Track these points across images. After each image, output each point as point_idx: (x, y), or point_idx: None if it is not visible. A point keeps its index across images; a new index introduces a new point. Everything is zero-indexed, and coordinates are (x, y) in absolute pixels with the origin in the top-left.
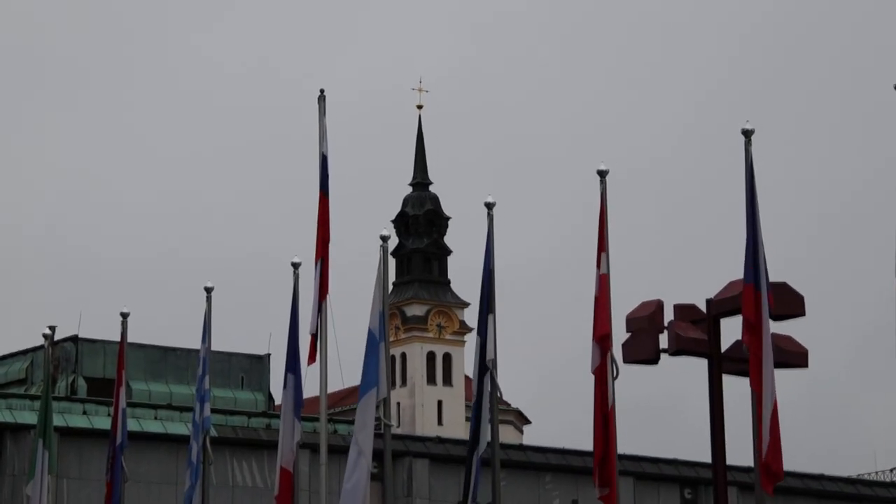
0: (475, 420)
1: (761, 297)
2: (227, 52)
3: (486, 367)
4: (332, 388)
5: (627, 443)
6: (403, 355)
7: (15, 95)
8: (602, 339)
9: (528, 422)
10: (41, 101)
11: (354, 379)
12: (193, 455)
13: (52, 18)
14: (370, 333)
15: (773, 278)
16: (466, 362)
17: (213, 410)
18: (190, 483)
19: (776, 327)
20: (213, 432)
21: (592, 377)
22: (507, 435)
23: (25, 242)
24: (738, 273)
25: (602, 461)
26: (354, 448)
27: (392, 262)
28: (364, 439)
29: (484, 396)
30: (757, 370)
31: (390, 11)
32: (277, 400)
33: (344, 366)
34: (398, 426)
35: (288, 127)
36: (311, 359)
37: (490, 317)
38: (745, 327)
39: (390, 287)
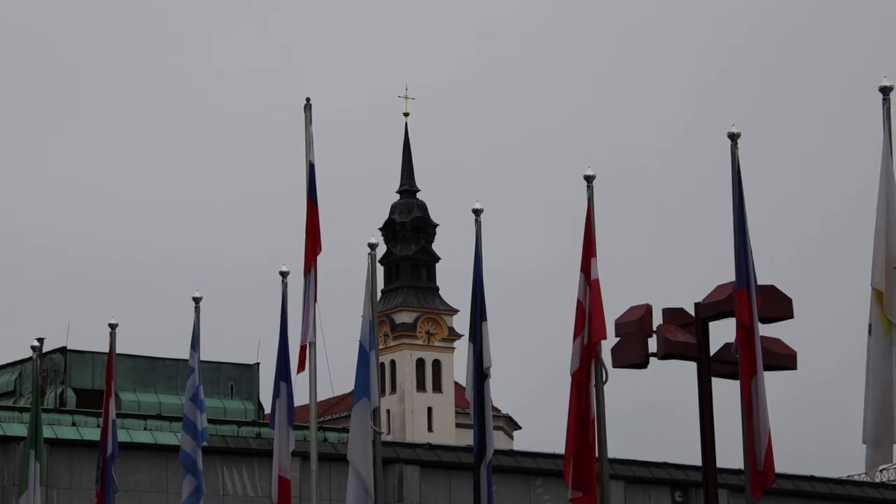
0: (479, 428)
1: (752, 302)
2: (214, 62)
3: (483, 374)
4: (321, 397)
5: (618, 446)
6: (393, 362)
7: (4, 105)
8: (595, 345)
9: (518, 427)
10: (30, 113)
11: (343, 387)
12: (199, 464)
13: (51, 28)
14: (360, 344)
15: (761, 281)
16: (456, 369)
17: None
18: (196, 485)
19: (764, 330)
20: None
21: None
22: (497, 440)
23: (13, 254)
24: (725, 276)
25: (576, 464)
26: (351, 464)
27: (380, 269)
28: (354, 451)
29: (486, 404)
30: (748, 377)
31: (376, 20)
32: (267, 409)
33: (333, 374)
34: (388, 433)
35: (275, 136)
36: (301, 367)
37: (484, 324)
38: (739, 334)
39: (378, 294)
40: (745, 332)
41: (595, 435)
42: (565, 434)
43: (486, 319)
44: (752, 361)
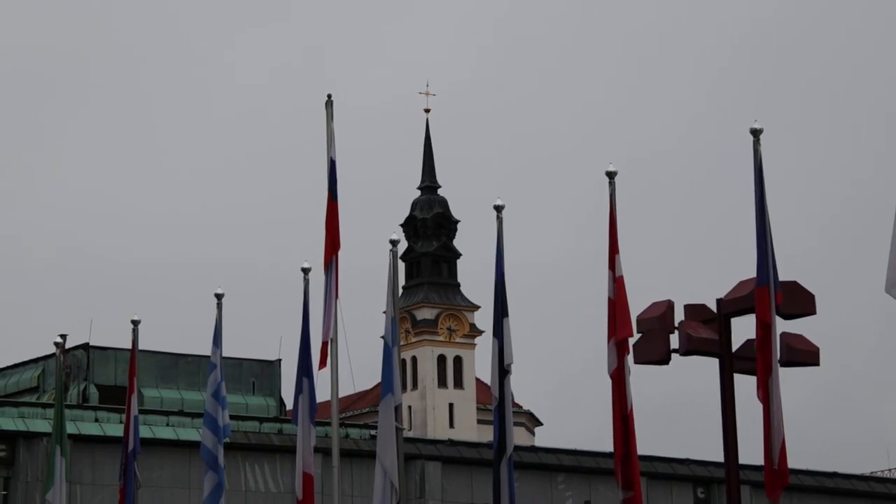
0: (500, 424)
1: (773, 300)
2: (235, 60)
3: (505, 370)
4: (343, 393)
5: (640, 443)
6: (414, 359)
7: (26, 105)
8: (623, 341)
9: (539, 423)
10: (52, 110)
11: (365, 383)
12: (221, 460)
13: (63, 31)
14: (384, 340)
15: (783, 277)
16: (477, 365)
17: None
18: (218, 481)
19: (787, 326)
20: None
21: (603, 379)
22: (518, 437)
23: (36, 251)
24: (748, 272)
25: (623, 462)
26: (378, 458)
27: (401, 265)
28: (381, 446)
29: (506, 400)
30: (765, 376)
31: (397, 16)
32: (289, 405)
33: (354, 370)
34: (410, 429)
35: (296, 132)
36: (322, 364)
37: (505, 320)
38: (758, 332)
39: (400, 291)
40: (765, 330)
41: (634, 432)
42: (613, 434)
43: (507, 315)
44: (769, 360)
